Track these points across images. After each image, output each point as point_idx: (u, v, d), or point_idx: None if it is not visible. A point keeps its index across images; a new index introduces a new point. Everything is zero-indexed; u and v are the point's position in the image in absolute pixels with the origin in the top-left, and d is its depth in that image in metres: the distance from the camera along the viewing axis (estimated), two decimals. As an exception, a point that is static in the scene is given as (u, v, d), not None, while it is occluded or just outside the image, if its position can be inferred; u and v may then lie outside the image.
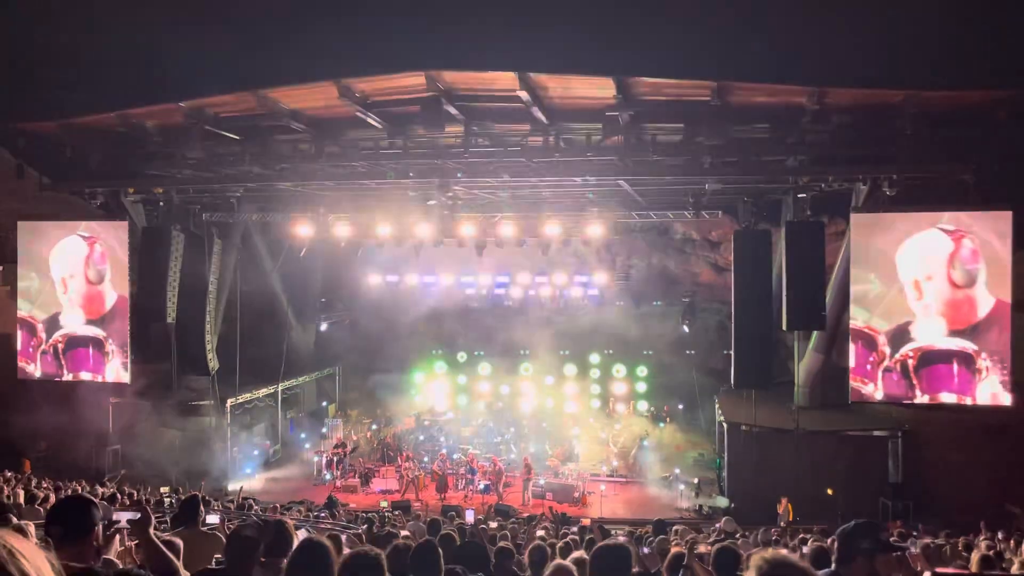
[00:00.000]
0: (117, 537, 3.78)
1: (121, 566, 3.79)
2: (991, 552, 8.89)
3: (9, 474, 17.11)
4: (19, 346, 23.86)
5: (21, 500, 9.98)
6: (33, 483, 16.13)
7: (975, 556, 8.36)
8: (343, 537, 8.65)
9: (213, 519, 9.82)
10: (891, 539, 4.02)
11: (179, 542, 4.89)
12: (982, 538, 12.94)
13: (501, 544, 6.42)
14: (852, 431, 20.87)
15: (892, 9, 23.37)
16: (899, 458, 20.26)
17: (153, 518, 4.01)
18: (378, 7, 28.39)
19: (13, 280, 24.06)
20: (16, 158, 21.93)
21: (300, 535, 4.65)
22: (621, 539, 6.60)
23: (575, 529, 14.23)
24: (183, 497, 13.11)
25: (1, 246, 24.52)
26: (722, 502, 21.45)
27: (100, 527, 3.46)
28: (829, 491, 19.59)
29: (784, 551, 4.01)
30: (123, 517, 3.96)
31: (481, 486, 22.91)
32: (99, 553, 3.52)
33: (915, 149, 17.48)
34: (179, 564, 4.08)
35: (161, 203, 22.92)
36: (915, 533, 14.20)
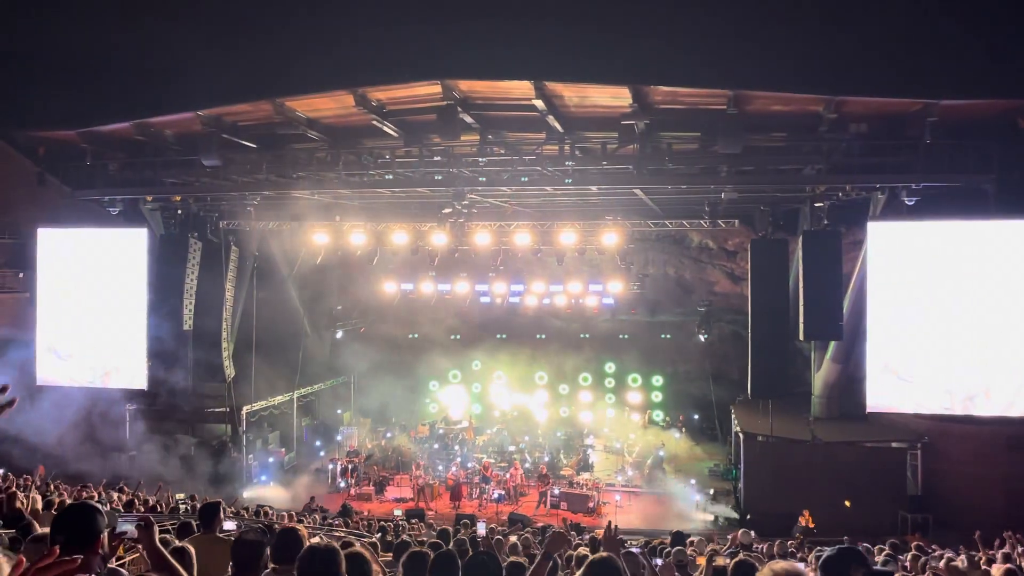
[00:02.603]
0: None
1: (127, 575, 3.78)
2: (1009, 565, 8.73)
3: (24, 480, 17.20)
4: (37, 352, 24.07)
5: (39, 506, 10.02)
6: (50, 488, 16.21)
7: (996, 571, 8.22)
8: (357, 544, 8.61)
9: (231, 525, 9.82)
10: (878, 565, 3.81)
11: (191, 549, 4.87)
12: (1000, 552, 12.73)
13: (512, 559, 6.35)
14: (870, 442, 20.64)
15: (909, 18, 23.22)
16: (918, 470, 20.01)
17: (156, 526, 3.99)
18: (394, 16, 28.54)
19: (33, 287, 24.29)
20: (37, 166, 22.21)
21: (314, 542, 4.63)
22: (634, 550, 6.51)
23: (587, 538, 14.13)
24: (199, 504, 13.13)
25: (21, 253, 24.76)
26: (737, 513, 21.28)
27: (105, 535, 3.44)
28: (846, 503, 19.38)
29: (798, 564, 3.93)
30: (127, 526, 3.95)
31: (495, 495, 22.83)
32: (104, 561, 3.50)
33: (934, 158, 17.32)
34: (185, 572, 4.06)
35: (179, 211, 23.10)
36: (933, 547, 14.00)
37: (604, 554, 4.31)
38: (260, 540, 4.47)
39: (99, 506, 3.54)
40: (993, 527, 15.31)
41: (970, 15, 22.29)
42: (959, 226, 18.57)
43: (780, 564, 3.47)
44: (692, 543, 12.08)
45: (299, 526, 5.47)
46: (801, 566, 3.66)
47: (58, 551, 2.32)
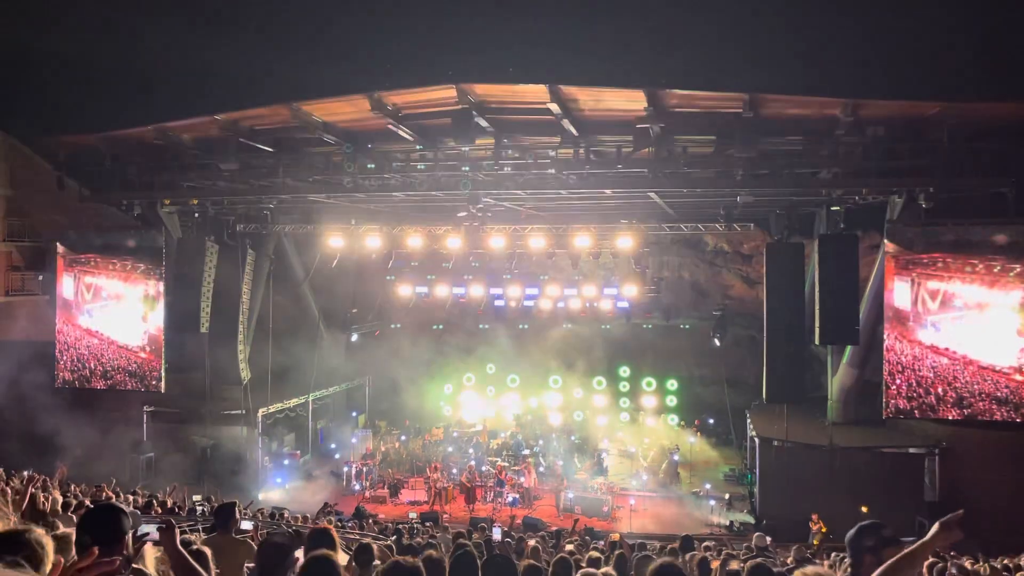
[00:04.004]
0: (147, 547, 3.80)
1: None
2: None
3: (44, 480, 17.34)
4: (57, 354, 24.29)
5: (59, 507, 10.11)
6: (71, 489, 16.35)
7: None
8: (374, 547, 8.64)
9: (246, 525, 9.90)
10: (895, 535, 4.13)
11: (207, 551, 4.91)
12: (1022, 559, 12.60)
13: (527, 562, 6.37)
14: (887, 448, 20.48)
15: (926, 20, 23.07)
16: (935, 476, 19.82)
17: (178, 528, 4.02)
18: (410, 21, 28.65)
19: (52, 289, 24.53)
20: (57, 170, 22.44)
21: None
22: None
23: (602, 543, 14.10)
24: (216, 504, 13.22)
25: (41, 256, 25.02)
26: (752, 518, 21.16)
27: (130, 536, 3.48)
28: (863, 508, 19.22)
29: (823, 568, 3.98)
30: (149, 527, 3.98)
31: (509, 499, 22.82)
32: (129, 562, 3.54)
33: (952, 162, 17.17)
34: (206, 574, 4.09)
35: (196, 214, 23.29)
36: (953, 554, 13.87)
37: (668, 559, 4.36)
38: (288, 544, 4.47)
39: (124, 507, 3.57)
40: (1013, 534, 15.17)
41: (988, 17, 22.13)
42: (977, 230, 18.41)
43: (810, 569, 3.54)
44: (706, 548, 12.04)
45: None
46: (829, 571, 3.71)
47: (97, 551, 2.35)
